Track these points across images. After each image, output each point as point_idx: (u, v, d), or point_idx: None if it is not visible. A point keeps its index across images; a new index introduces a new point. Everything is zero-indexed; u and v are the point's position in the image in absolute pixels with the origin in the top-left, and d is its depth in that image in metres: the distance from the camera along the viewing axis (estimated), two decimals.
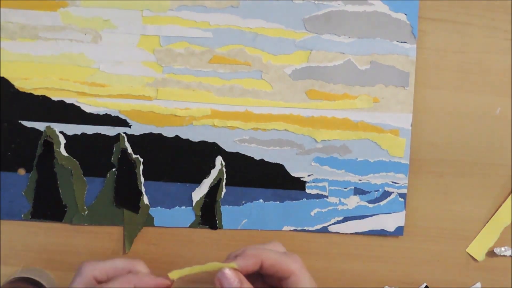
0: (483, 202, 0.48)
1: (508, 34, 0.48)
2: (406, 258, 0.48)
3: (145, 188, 0.46)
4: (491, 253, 0.48)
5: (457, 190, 0.48)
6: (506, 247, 0.48)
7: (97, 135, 0.46)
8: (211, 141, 0.46)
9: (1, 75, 0.45)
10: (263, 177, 0.47)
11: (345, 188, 0.47)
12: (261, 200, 0.47)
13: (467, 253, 0.48)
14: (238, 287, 0.36)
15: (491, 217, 0.48)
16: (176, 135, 0.46)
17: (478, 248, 0.48)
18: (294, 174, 0.47)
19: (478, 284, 0.48)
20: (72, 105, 0.46)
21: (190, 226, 0.47)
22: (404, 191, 0.47)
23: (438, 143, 0.48)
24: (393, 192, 0.47)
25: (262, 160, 0.47)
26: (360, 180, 0.47)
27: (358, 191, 0.47)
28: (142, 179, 0.46)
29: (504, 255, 0.48)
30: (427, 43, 0.47)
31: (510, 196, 0.48)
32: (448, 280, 0.48)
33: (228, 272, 0.36)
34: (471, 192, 0.48)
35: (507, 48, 0.48)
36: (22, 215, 0.46)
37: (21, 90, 0.46)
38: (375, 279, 0.48)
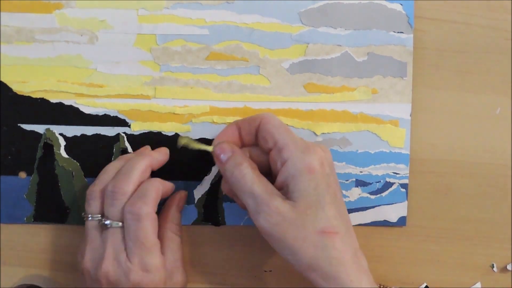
0: (483, 202, 0.48)
1: (508, 34, 0.47)
2: (406, 258, 0.48)
3: None
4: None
5: (457, 190, 0.48)
6: None
7: (96, 136, 0.46)
8: (211, 138, 0.46)
9: None
10: None
11: (347, 181, 0.47)
12: None
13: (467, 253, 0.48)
14: (230, 155, 0.41)
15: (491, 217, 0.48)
16: (176, 133, 0.46)
17: None
18: None
19: (478, 284, 0.48)
20: (70, 106, 0.46)
21: (193, 223, 0.47)
22: (406, 181, 0.47)
23: (438, 143, 0.48)
24: (394, 182, 0.47)
25: None
26: (361, 172, 0.47)
27: (360, 183, 0.47)
28: None
29: None
30: (427, 43, 0.47)
31: None
32: (448, 280, 0.48)
33: (223, 144, 0.42)
34: (471, 192, 0.48)
35: (507, 48, 0.47)
36: (25, 219, 0.46)
37: (19, 93, 0.46)
38: (375, 279, 0.47)
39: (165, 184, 0.43)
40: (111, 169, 0.43)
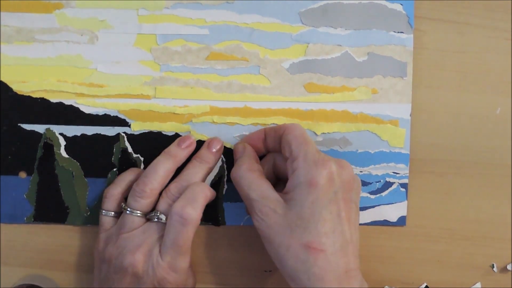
0: (483, 202, 0.48)
1: (508, 34, 0.47)
2: (406, 258, 0.48)
3: None
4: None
5: (457, 190, 0.48)
6: None
7: (97, 136, 0.46)
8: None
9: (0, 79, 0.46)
10: None
11: None
12: None
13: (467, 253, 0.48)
14: (239, 156, 0.44)
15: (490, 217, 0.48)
16: (176, 133, 0.46)
17: None
18: None
19: (478, 284, 0.48)
20: (71, 106, 0.46)
21: None
22: (405, 181, 0.47)
23: (438, 143, 0.48)
24: (394, 182, 0.47)
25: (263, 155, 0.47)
26: (361, 171, 0.47)
27: None
28: None
29: None
30: (427, 43, 0.47)
31: None
32: (448, 280, 0.48)
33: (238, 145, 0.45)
34: (471, 192, 0.48)
35: (507, 48, 0.47)
36: (25, 218, 0.46)
37: (19, 93, 0.46)
38: (375, 279, 0.48)
39: (211, 191, 0.43)
40: (160, 168, 0.43)
